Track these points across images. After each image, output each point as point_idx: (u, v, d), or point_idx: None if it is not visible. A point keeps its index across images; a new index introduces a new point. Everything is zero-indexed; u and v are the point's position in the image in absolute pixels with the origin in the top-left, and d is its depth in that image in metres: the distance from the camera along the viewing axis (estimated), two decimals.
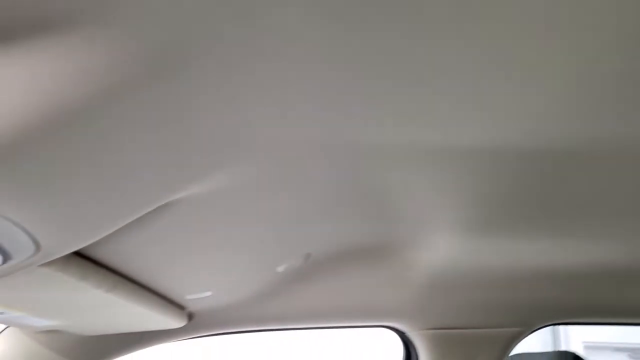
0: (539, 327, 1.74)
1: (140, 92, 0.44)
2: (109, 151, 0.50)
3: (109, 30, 0.38)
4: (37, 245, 0.61)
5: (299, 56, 0.45)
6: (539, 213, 0.94)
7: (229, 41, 0.43)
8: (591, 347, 4.78)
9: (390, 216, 0.96)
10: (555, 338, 4.91)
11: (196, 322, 1.49)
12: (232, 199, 0.77)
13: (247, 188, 0.74)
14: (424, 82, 0.51)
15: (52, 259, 0.68)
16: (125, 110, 0.46)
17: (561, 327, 4.85)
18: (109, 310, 1.10)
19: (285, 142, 0.61)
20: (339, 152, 0.65)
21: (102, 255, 0.88)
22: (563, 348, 4.74)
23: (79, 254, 0.81)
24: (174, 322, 1.35)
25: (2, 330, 1.49)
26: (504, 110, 0.57)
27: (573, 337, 4.91)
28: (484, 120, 0.60)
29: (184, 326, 1.43)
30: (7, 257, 0.61)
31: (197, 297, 1.28)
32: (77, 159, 0.48)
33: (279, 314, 1.57)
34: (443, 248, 1.19)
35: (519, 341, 1.73)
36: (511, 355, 1.47)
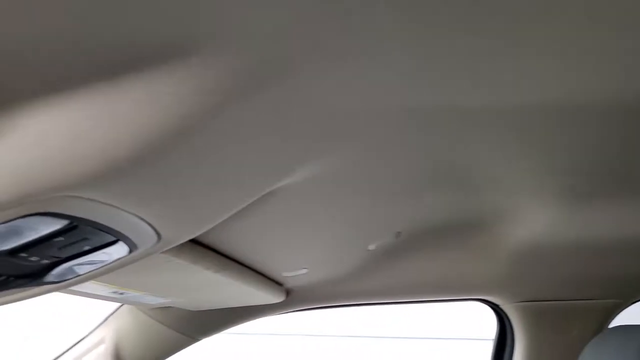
0: (638, 299, 1.69)
1: (249, 99, 0.49)
2: (220, 154, 0.56)
3: (223, 51, 0.43)
4: (159, 236, 0.69)
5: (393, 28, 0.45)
6: (636, 180, 0.92)
7: (331, 48, 0.47)
8: None
9: (482, 189, 0.96)
10: None
11: (293, 298, 1.57)
12: (329, 184, 0.81)
13: (343, 172, 0.78)
14: (525, 40, 0.50)
15: (170, 247, 0.75)
16: (235, 118, 0.51)
17: None
18: (215, 288, 1.19)
19: (382, 116, 0.61)
20: (432, 119, 0.65)
21: (210, 240, 0.95)
22: None
23: (191, 241, 0.89)
24: (274, 297, 1.43)
25: (118, 308, 1.64)
26: (609, 66, 0.55)
27: None
28: (586, 78, 0.58)
29: (282, 301, 1.51)
30: (133, 248, 0.69)
31: (294, 274, 1.35)
32: (193, 162, 0.54)
33: (371, 289, 1.62)
34: (535, 220, 1.19)
35: (618, 313, 1.69)
36: (611, 327, 1.44)
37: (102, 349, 1.59)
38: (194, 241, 0.92)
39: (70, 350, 1.63)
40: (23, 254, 0.57)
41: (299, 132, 0.61)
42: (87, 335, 1.63)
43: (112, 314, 1.63)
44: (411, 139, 0.71)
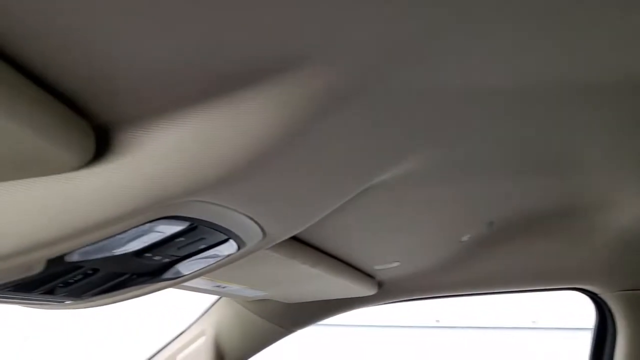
0: None
1: (355, 100, 0.51)
2: (324, 155, 0.58)
3: (332, 60, 0.45)
4: (264, 234, 0.72)
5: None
6: None
7: (439, 40, 0.47)
8: None
9: (583, 173, 0.94)
10: None
11: (385, 290, 1.58)
12: (421, 176, 0.82)
13: (435, 164, 0.79)
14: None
15: (273, 244, 0.79)
16: (340, 119, 0.53)
17: None
18: (310, 281, 1.23)
19: (482, 101, 0.60)
20: (534, 99, 0.62)
21: (307, 236, 0.99)
22: None
23: (290, 237, 0.92)
24: (366, 290, 1.45)
25: (217, 301, 1.71)
26: None
27: None
28: None
29: (375, 294, 1.53)
30: (241, 245, 0.72)
31: (385, 267, 1.37)
32: (299, 164, 0.57)
33: (463, 280, 1.61)
34: (636, 207, 1.14)
35: None
36: None
37: (203, 340, 1.67)
38: (292, 237, 0.95)
39: (174, 341, 1.72)
40: (148, 254, 0.62)
41: (400, 129, 0.62)
42: (188, 327, 1.72)
43: (210, 306, 1.71)
44: (509, 122, 0.70)
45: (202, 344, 1.67)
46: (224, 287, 1.22)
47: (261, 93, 0.45)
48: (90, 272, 0.64)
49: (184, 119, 0.45)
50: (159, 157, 0.46)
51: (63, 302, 0.72)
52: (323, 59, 0.44)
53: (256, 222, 0.67)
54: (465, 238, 1.25)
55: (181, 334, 1.73)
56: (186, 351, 1.68)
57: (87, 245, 0.52)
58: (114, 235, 0.52)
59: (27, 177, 0.45)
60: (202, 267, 0.76)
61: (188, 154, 0.46)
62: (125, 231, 0.52)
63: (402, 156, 0.71)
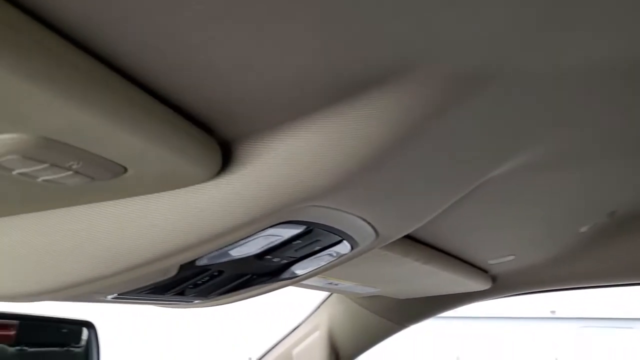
0: None
1: (469, 99, 0.51)
2: (437, 155, 0.58)
3: (445, 60, 0.45)
4: (377, 234, 0.73)
5: None
6: None
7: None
8: None
9: None
10: None
11: (499, 284, 1.54)
12: (538, 167, 0.80)
13: (553, 153, 0.76)
14: None
15: (385, 244, 0.80)
16: (454, 119, 0.53)
17: None
18: (423, 278, 1.22)
19: (600, 81, 0.58)
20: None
21: (419, 233, 0.99)
22: None
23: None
24: (479, 285, 1.42)
25: (328, 297, 1.74)
26: None
27: None
28: None
29: (489, 288, 1.50)
30: (354, 245, 0.74)
31: (500, 261, 1.33)
32: (412, 165, 0.57)
33: (582, 272, 1.53)
34: None
35: None
36: None
37: (317, 334, 1.71)
38: (405, 235, 0.96)
39: (289, 336, 1.78)
40: (268, 257, 0.65)
41: (518, 119, 0.61)
42: (302, 322, 1.77)
43: (322, 302, 1.74)
44: (630, 103, 0.66)
45: (317, 339, 1.71)
46: (336, 285, 1.25)
47: (378, 98, 0.46)
48: (216, 273, 0.68)
49: (298, 129, 0.47)
50: (276, 167, 0.48)
51: (192, 301, 0.78)
52: (440, 57, 0.45)
53: (369, 224, 0.68)
54: (584, 229, 1.19)
55: (295, 328, 1.78)
56: (301, 345, 1.73)
57: (215, 250, 0.56)
58: (239, 241, 0.55)
59: (167, 189, 0.49)
60: (317, 267, 0.78)
61: (303, 163, 0.48)
62: (248, 236, 0.55)
63: (520, 147, 0.69)
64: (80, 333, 0.89)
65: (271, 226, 0.55)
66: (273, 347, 1.80)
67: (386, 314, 1.65)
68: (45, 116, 0.31)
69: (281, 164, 0.48)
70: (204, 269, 0.64)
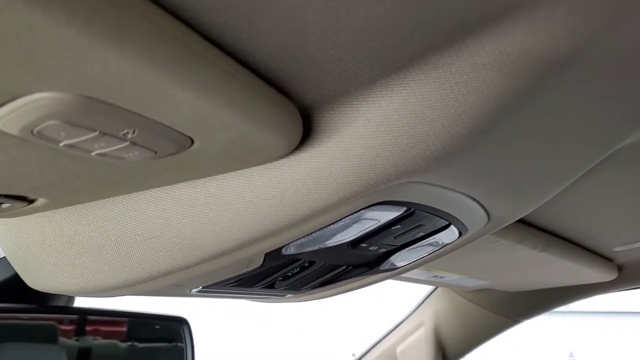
0: None
1: (602, 46, 0.41)
2: (563, 117, 0.48)
3: (561, 5, 0.36)
4: (488, 217, 0.64)
5: None
6: None
7: None
8: None
9: None
10: None
11: (626, 275, 1.38)
12: None
13: None
14: None
15: (498, 228, 0.70)
16: (582, 72, 0.43)
17: None
18: (539, 267, 1.10)
19: None
20: None
21: (535, 217, 0.87)
22: None
23: (516, 220, 0.82)
24: (603, 275, 1.27)
25: (433, 291, 1.65)
26: None
27: None
28: None
29: (613, 280, 1.34)
30: (463, 231, 0.65)
31: (627, 248, 1.18)
32: (531, 128, 0.48)
33: None
34: None
35: None
36: None
37: (422, 331, 1.62)
38: (518, 219, 0.85)
39: (393, 332, 1.70)
40: (363, 245, 0.57)
41: None
42: (406, 318, 1.68)
43: (427, 297, 1.65)
44: None
45: (422, 336, 1.62)
46: (441, 277, 1.16)
47: (491, 42, 0.37)
48: (306, 264, 0.62)
49: (393, 89, 0.39)
50: (368, 136, 0.41)
51: (284, 295, 0.72)
52: None
53: (480, 204, 0.59)
54: None
55: (399, 325, 1.70)
56: (405, 343, 1.65)
57: (303, 237, 0.49)
58: (328, 225, 0.48)
59: (238, 167, 0.43)
60: (419, 257, 0.70)
61: (399, 129, 0.40)
62: (338, 220, 0.48)
63: None
64: (178, 329, 0.87)
65: (365, 208, 0.48)
66: (376, 344, 1.73)
67: (497, 308, 1.53)
68: (85, 67, 0.26)
69: (374, 132, 0.41)
70: (293, 259, 0.58)
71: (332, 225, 0.49)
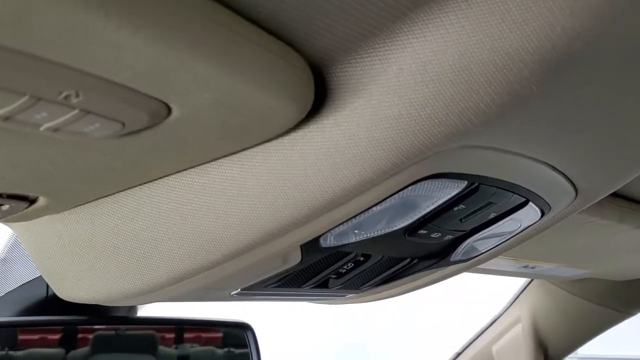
0: None
1: None
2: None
3: None
4: (577, 191, 0.53)
5: None
6: None
7: None
8: None
9: None
10: None
11: None
12: None
13: None
14: None
15: (589, 204, 0.59)
16: None
17: None
18: None
19: None
20: None
21: (636, 190, 0.74)
22: None
23: (612, 194, 0.70)
24: None
25: (529, 284, 1.51)
26: None
27: None
28: None
29: None
30: (545, 209, 0.55)
31: None
32: (623, 76, 0.38)
33: None
34: None
35: None
36: None
37: (519, 328, 1.49)
38: (616, 194, 0.73)
39: (488, 329, 1.58)
40: (422, 231, 0.48)
41: None
42: (501, 314, 1.56)
43: (522, 290, 1.51)
44: None
45: (519, 333, 1.48)
46: (532, 268, 1.03)
47: None
48: (361, 259, 0.54)
49: (426, 26, 0.30)
50: (401, 90, 0.33)
51: (344, 295, 0.64)
52: None
53: (562, 174, 0.49)
54: None
55: (494, 321, 1.57)
56: (502, 341, 1.52)
57: (340, 224, 0.41)
58: (370, 209, 0.40)
59: (247, 142, 0.36)
60: (497, 243, 0.60)
61: (441, 77, 0.32)
62: (381, 202, 0.40)
63: None
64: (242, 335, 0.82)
65: (412, 184, 0.39)
66: (471, 343, 1.61)
67: (602, 300, 1.37)
68: None
69: (409, 84, 0.32)
70: (342, 253, 0.50)
71: (374, 208, 0.41)
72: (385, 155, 0.35)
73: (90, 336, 0.80)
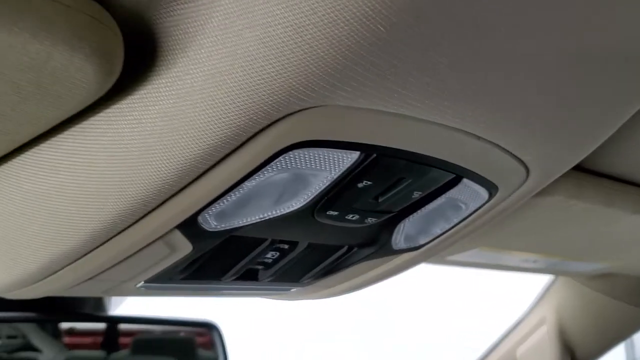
0: None
1: None
2: None
3: None
4: (526, 167, 0.47)
5: None
6: None
7: None
8: None
9: None
10: None
11: None
12: None
13: None
14: None
15: (547, 182, 0.52)
16: None
17: None
18: None
19: None
20: None
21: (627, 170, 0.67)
22: None
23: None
24: None
25: (554, 282, 1.41)
26: None
27: None
28: None
29: None
30: (493, 190, 0.48)
31: None
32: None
33: None
34: None
35: None
36: None
37: (544, 330, 1.39)
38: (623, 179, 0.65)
39: (512, 332, 1.48)
40: (332, 212, 0.43)
41: None
42: (525, 315, 1.46)
43: (546, 289, 1.42)
44: None
45: (544, 336, 1.39)
46: (533, 262, 0.95)
47: None
48: (285, 247, 0.49)
49: None
50: (228, 39, 0.28)
51: (287, 289, 0.59)
52: None
53: (499, 147, 0.43)
54: None
55: (518, 323, 1.48)
56: (526, 344, 1.43)
57: (212, 201, 0.37)
58: (240, 184, 0.36)
59: (71, 107, 0.32)
60: (447, 228, 0.54)
61: (272, 18, 0.27)
62: (251, 174, 0.35)
63: None
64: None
65: (282, 153, 0.34)
66: (496, 345, 1.52)
67: (632, 298, 1.27)
68: None
69: (237, 28, 0.28)
70: (252, 240, 0.46)
71: (247, 184, 0.36)
72: (225, 116, 0.30)
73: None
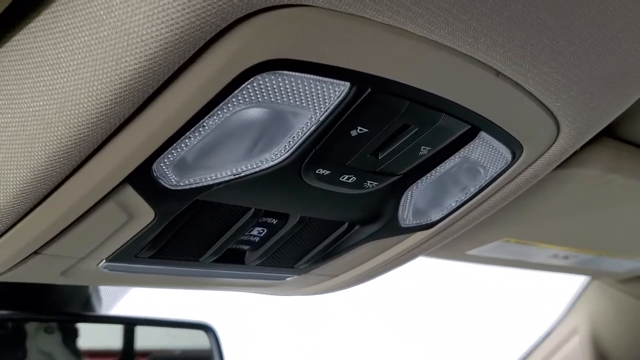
0: None
1: None
2: None
3: None
4: (556, 121, 0.39)
5: None
6: None
7: None
8: None
9: None
10: None
11: None
12: None
13: None
14: None
15: (581, 143, 0.44)
16: None
17: None
18: None
19: None
20: None
21: None
22: None
23: None
24: None
25: (587, 287, 1.31)
26: None
27: None
28: None
29: None
30: (517, 149, 0.41)
31: None
32: None
33: None
34: None
35: None
36: None
37: (576, 340, 1.30)
38: None
39: (544, 342, 1.38)
40: (322, 170, 0.36)
41: None
42: (556, 324, 1.36)
43: (578, 296, 1.32)
44: None
45: (576, 346, 1.29)
46: (565, 258, 0.86)
47: None
48: (273, 221, 0.42)
49: None
50: None
51: (283, 277, 0.52)
52: None
53: (528, 92, 0.36)
54: None
55: (548, 334, 1.38)
56: (558, 355, 1.33)
57: (165, 146, 0.30)
58: (194, 122, 0.29)
59: None
60: (463, 200, 0.46)
61: None
62: (209, 109, 0.28)
63: None
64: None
65: (244, 77, 0.27)
66: (525, 358, 1.42)
67: None
68: None
69: None
70: (232, 209, 0.39)
71: (206, 122, 0.29)
72: (163, 13, 0.23)
73: None
